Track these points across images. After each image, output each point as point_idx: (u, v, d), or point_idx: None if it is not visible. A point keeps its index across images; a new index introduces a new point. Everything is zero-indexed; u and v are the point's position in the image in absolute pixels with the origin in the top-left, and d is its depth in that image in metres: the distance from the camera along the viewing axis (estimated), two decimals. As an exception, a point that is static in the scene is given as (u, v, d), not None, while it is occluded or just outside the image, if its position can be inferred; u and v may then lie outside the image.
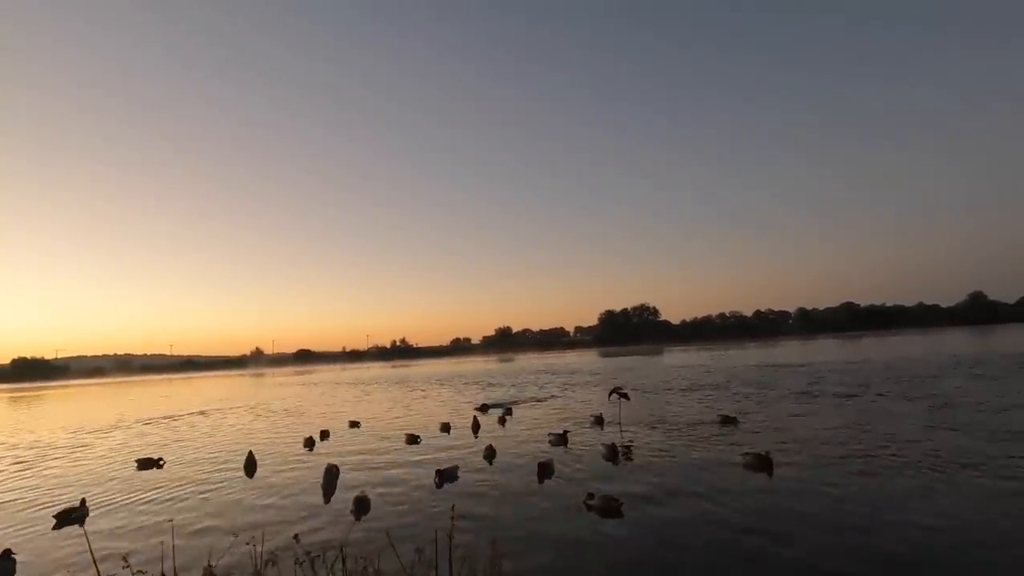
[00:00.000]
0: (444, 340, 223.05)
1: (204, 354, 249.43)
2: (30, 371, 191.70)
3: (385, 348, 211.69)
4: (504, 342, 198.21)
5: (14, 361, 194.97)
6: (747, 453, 10.34)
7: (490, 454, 12.11)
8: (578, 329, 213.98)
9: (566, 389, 28.95)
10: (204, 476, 11.89)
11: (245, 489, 10.53)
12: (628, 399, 16.56)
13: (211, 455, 14.68)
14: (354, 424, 18.84)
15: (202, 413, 28.48)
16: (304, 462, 12.83)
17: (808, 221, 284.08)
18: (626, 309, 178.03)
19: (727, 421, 14.84)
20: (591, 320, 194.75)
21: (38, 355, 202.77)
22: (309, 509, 8.93)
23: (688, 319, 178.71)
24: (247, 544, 6.24)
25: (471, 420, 17.14)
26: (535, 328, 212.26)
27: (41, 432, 23.90)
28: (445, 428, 16.73)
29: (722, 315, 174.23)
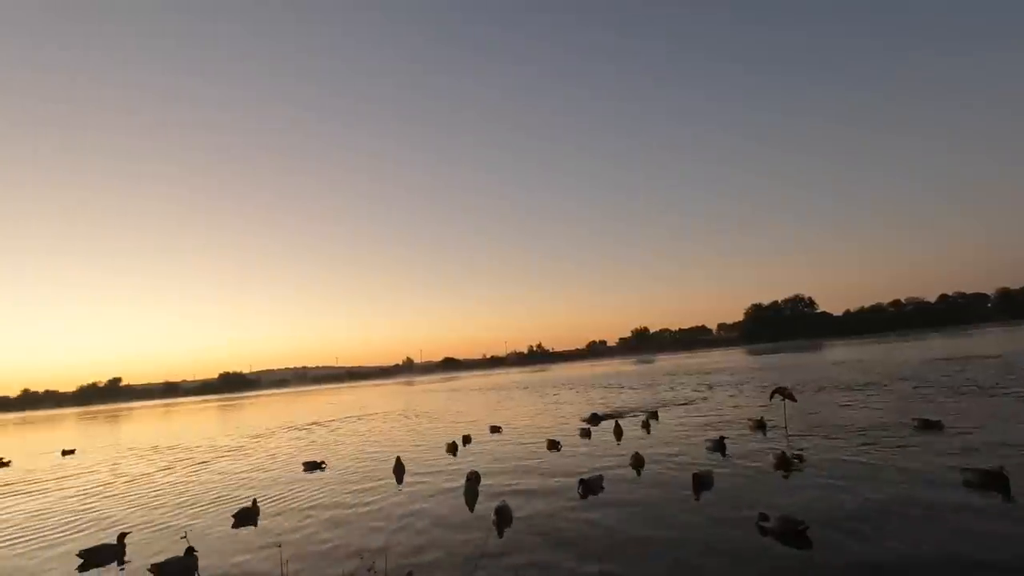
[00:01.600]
0: (580, 343, 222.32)
1: (364, 364, 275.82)
2: (232, 383, 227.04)
3: (523, 354, 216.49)
4: (641, 343, 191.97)
5: (221, 375, 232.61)
6: (970, 468, 8.22)
7: (638, 463, 11.14)
8: (721, 326, 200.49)
9: (713, 391, 26.63)
10: (360, 480, 12.43)
11: (396, 494, 10.75)
12: (794, 400, 14.48)
13: (365, 459, 15.47)
14: (495, 429, 18.89)
15: (359, 418, 30.85)
16: (448, 468, 12.92)
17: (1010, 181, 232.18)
18: (776, 302, 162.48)
19: (927, 426, 12.25)
20: (736, 316, 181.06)
21: (237, 370, 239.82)
22: (454, 516, 8.78)
23: (852, 309, 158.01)
24: (396, 551, 6.12)
25: (612, 426, 16.24)
26: (674, 327, 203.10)
27: (232, 434, 27.52)
28: (585, 434, 16.03)
29: (896, 302, 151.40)
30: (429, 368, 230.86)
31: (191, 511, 10.93)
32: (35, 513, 12.13)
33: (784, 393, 13.89)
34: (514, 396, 37.99)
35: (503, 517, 8.10)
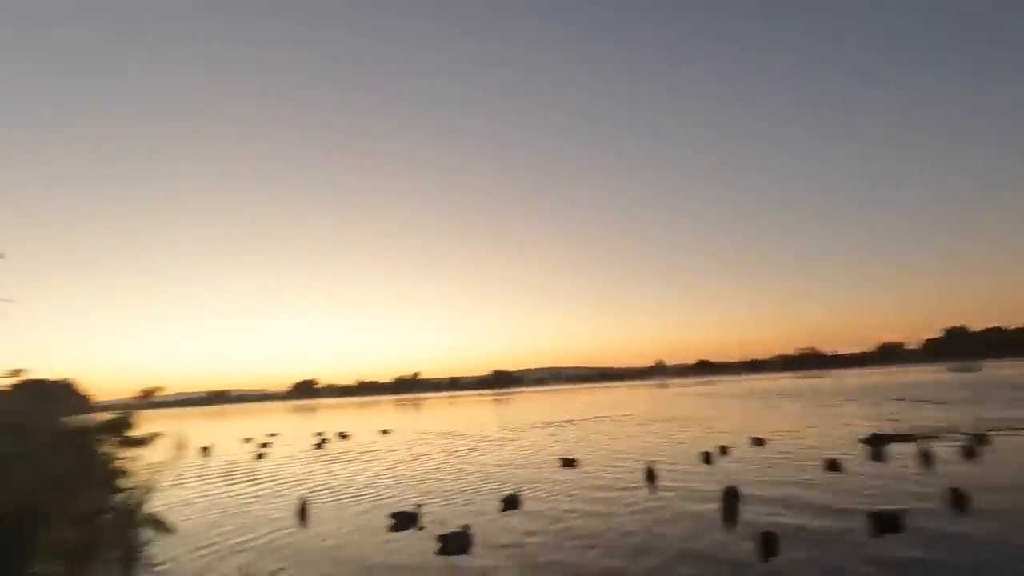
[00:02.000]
0: (868, 345, 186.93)
1: (614, 366, 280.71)
2: (501, 380, 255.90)
3: (790, 357, 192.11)
4: (958, 346, 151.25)
5: (493, 372, 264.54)
6: None
7: (957, 500, 8.75)
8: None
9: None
10: (612, 481, 12.56)
11: (648, 500, 10.53)
12: None
13: (616, 460, 15.58)
14: (757, 441, 17.09)
15: (610, 419, 31.38)
16: (701, 478, 12.15)
17: None
18: None
19: None
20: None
21: (505, 368, 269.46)
22: (709, 534, 8.17)
23: None
24: (646, 560, 5.98)
25: (909, 449, 13.14)
26: (1009, 325, 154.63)
27: (500, 426, 30.78)
28: (875, 456, 13.32)
29: None
30: (681, 371, 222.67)
31: (467, 491, 12.53)
32: (372, 476, 15.47)
33: None
34: (779, 405, 33.91)
35: (769, 543, 7.20)
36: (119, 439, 9.79)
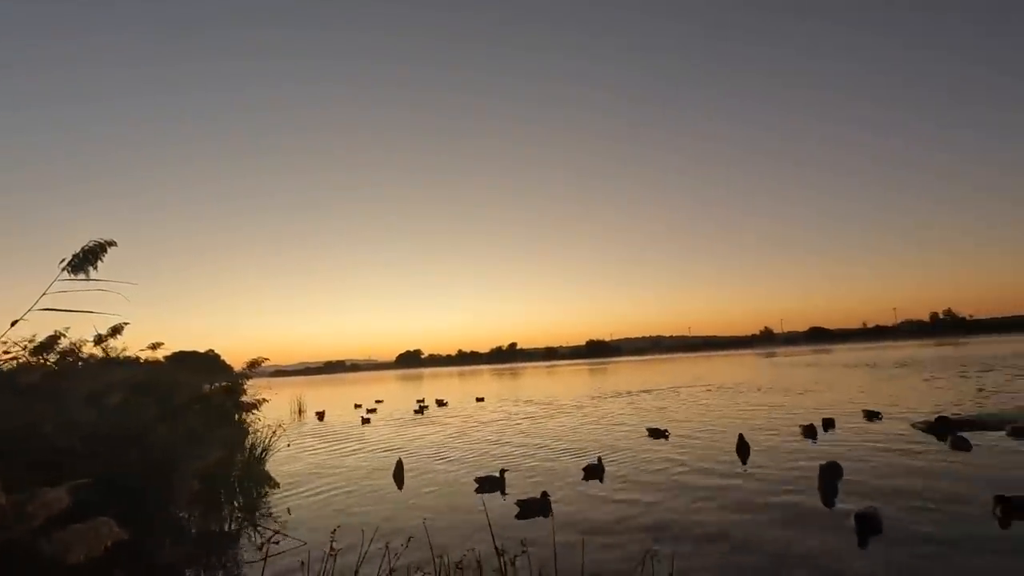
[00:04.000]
0: (1019, 307, 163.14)
1: (718, 334, 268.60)
2: (597, 350, 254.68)
3: (922, 322, 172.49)
4: None
5: (588, 343, 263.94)
6: None
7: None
8: None
9: None
10: (702, 454, 12.14)
11: (739, 475, 10.06)
12: None
13: (709, 432, 15.01)
14: (872, 415, 15.64)
15: (708, 389, 30.16)
16: (801, 454, 11.37)
17: None
18: None
19: None
20: None
21: (599, 338, 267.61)
22: (803, 511, 7.68)
23: None
24: (735, 537, 5.76)
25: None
26: None
27: (594, 394, 30.72)
28: (1017, 432, 11.69)
29: None
30: (792, 339, 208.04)
31: (550, 459, 12.74)
32: (464, 441, 16.22)
33: None
34: (901, 375, 30.69)
35: (865, 525, 6.61)
36: (236, 403, 10.95)
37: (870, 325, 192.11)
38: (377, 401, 37.07)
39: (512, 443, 15.49)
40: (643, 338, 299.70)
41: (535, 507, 8.47)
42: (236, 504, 10.10)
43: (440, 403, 31.65)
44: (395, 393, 50.12)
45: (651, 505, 8.45)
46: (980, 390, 20.87)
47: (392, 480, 11.46)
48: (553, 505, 8.58)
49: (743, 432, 12.63)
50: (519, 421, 20.96)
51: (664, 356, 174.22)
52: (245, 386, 10.91)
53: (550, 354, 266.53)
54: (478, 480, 10.45)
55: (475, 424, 20.96)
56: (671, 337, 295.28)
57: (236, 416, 11.68)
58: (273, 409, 13.99)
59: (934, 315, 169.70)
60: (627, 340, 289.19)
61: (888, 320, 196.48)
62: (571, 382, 49.99)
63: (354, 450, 16.09)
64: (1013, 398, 17.79)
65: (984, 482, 8.26)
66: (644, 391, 31.86)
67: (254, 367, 10.20)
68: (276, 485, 11.31)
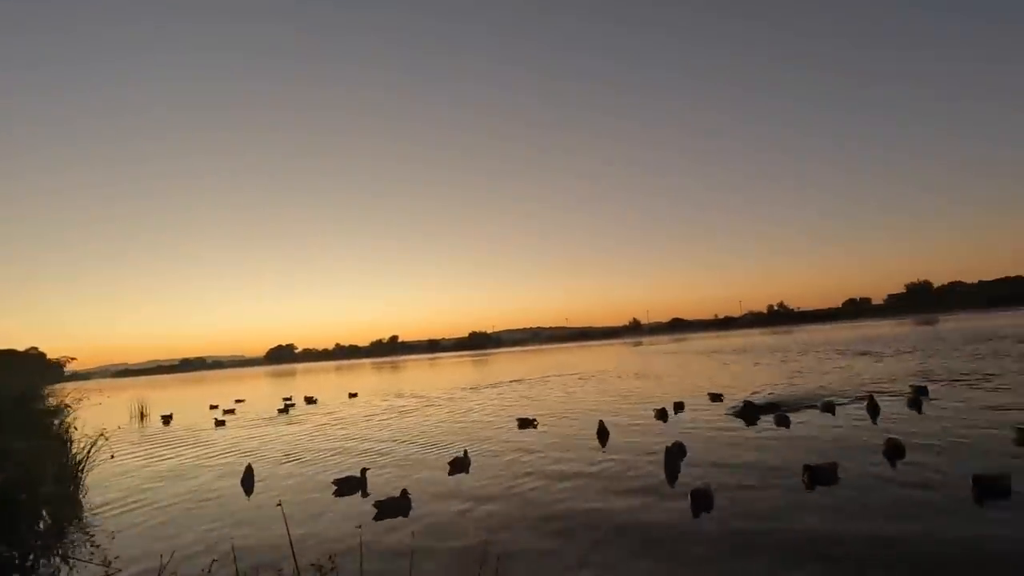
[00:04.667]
0: (835, 301, 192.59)
1: (592, 325, 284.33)
2: (479, 342, 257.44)
3: (761, 313, 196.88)
4: (921, 301, 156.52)
5: (470, 334, 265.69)
6: None
7: (892, 451, 8.91)
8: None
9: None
10: (566, 441, 12.56)
11: (598, 460, 10.49)
12: None
13: (575, 419, 15.61)
14: (715, 397, 17.31)
15: (579, 378, 31.61)
16: (653, 436, 12.20)
17: None
18: None
19: None
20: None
21: (482, 329, 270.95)
22: (648, 489, 8.18)
23: None
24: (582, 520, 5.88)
25: (867, 401, 13.42)
26: (971, 279, 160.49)
27: (468, 386, 30.83)
28: (828, 408, 13.58)
29: None
30: (657, 329, 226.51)
31: (417, 453, 12.44)
32: (328, 440, 15.26)
33: None
34: (739, 360, 34.64)
35: (699, 502, 7.19)
36: (48, 407, 9.33)
37: (721, 316, 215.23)
38: (237, 401, 34.03)
39: (379, 439, 14.92)
40: (523, 329, 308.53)
41: (394, 507, 8.13)
42: (38, 530, 8.54)
43: (309, 400, 29.80)
44: (261, 391, 46.45)
45: (514, 495, 8.50)
46: (799, 372, 24.12)
47: (240, 488, 10.44)
48: (415, 502, 8.32)
49: (603, 419, 13.30)
50: (389, 416, 20.33)
51: (543, 347, 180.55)
52: (55, 390, 9.27)
53: (433, 346, 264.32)
54: (337, 482, 9.85)
55: (343, 421, 19.97)
56: (550, 328, 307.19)
57: (50, 424, 9.92)
58: (108, 414, 12.12)
59: (771, 307, 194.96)
60: (508, 332, 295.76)
61: (735, 311, 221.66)
62: (450, 374, 49.85)
63: (200, 457, 14.48)
64: (822, 377, 20.84)
65: (802, 452, 9.43)
66: (518, 381, 32.59)
67: (62, 365, 8.66)
68: (97, 505, 9.76)
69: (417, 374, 55.92)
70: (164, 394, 52.02)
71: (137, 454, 15.65)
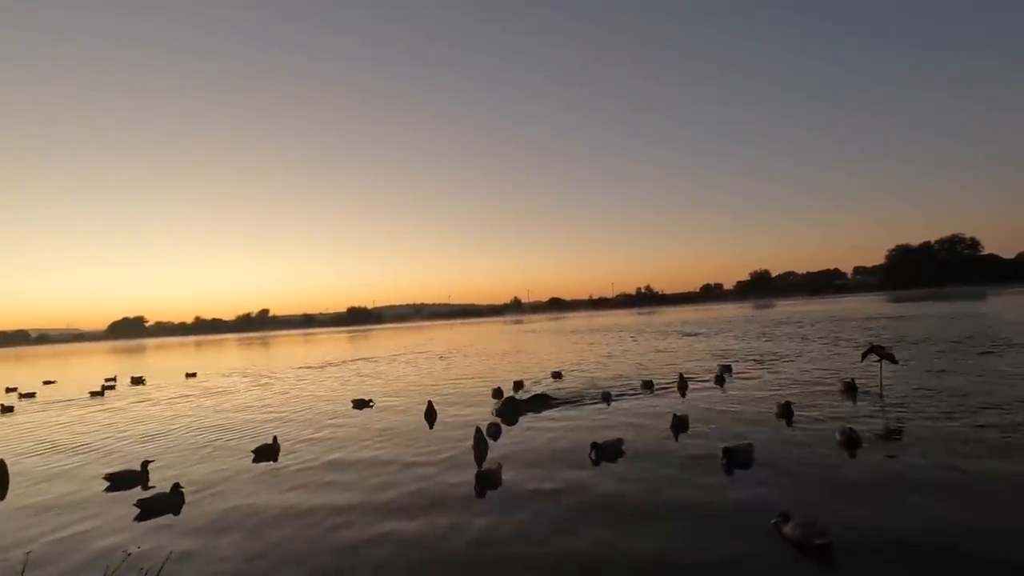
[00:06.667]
0: (693, 286, 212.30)
1: (475, 303, 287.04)
2: (358, 317, 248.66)
3: (630, 295, 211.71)
4: (761, 288, 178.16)
5: (349, 310, 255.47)
6: None
7: (679, 426, 9.71)
8: (858, 270, 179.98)
9: (821, 344, 23.40)
10: (394, 422, 12.23)
11: (419, 441, 10.29)
12: (895, 362, 11.81)
13: (415, 398, 15.29)
14: (557, 375, 17.99)
15: (441, 356, 31.48)
16: (480, 417, 12.28)
17: None
18: (928, 242, 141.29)
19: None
20: (876, 259, 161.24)
21: (362, 305, 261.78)
22: (456, 469, 8.11)
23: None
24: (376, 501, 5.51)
25: (677, 378, 14.63)
26: (800, 270, 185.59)
27: (322, 361, 29.41)
28: (647, 385, 14.60)
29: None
30: (537, 308, 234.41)
31: (225, 440, 11.41)
32: (133, 428, 13.49)
33: (881, 353, 11.32)
34: (601, 340, 36.74)
35: (487, 480, 7.26)
36: None
37: (595, 296, 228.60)
38: (46, 382, 29.51)
39: (190, 425, 13.52)
40: (406, 305, 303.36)
41: (161, 504, 7.25)
42: None
43: (136, 381, 26.59)
44: (83, 370, 40.68)
45: (320, 486, 7.89)
46: (647, 353, 26.05)
47: (-12, 485, 8.83)
48: (188, 498, 7.50)
49: (432, 399, 13.16)
50: (218, 397, 18.67)
51: (424, 323, 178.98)
52: None
53: (308, 321, 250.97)
54: (109, 477, 8.66)
55: (159, 405, 17.97)
56: (433, 305, 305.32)
57: None
58: None
59: (639, 289, 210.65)
60: (390, 307, 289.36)
61: (608, 293, 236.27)
62: (315, 351, 47.41)
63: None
64: (658, 356, 22.66)
65: (606, 431, 9.91)
66: (376, 359, 31.76)
67: None
68: None
69: (280, 351, 52.48)
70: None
71: None
